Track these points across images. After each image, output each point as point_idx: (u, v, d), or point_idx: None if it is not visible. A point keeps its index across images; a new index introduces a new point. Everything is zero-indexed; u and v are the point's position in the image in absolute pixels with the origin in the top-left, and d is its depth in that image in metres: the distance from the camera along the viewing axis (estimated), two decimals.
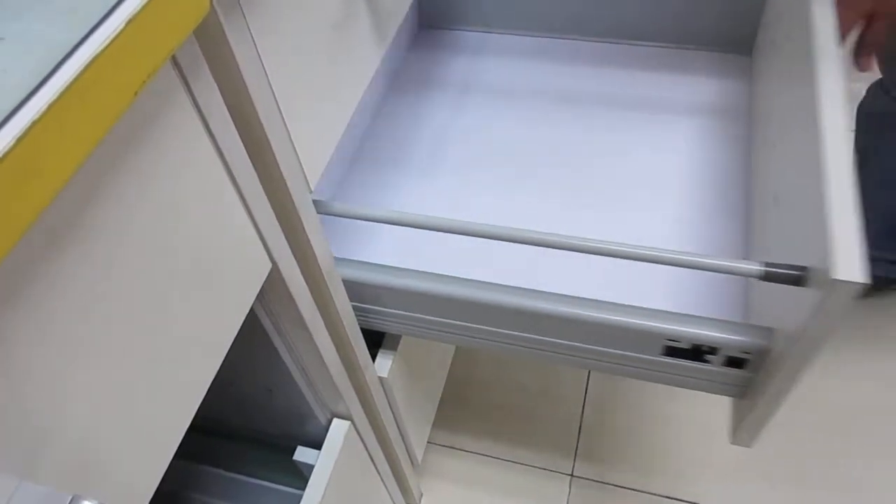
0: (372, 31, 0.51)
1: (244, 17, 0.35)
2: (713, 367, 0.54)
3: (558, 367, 1.05)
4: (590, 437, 0.98)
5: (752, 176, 0.70)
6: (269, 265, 0.43)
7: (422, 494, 0.95)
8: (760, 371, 0.52)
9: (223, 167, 0.36)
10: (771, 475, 0.92)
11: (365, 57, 0.51)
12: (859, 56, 0.61)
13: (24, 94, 0.24)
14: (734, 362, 0.53)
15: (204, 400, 0.63)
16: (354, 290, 0.58)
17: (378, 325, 0.63)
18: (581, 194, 0.70)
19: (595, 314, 0.54)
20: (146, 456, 0.34)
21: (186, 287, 0.35)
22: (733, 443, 0.57)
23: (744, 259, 0.52)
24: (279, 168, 0.41)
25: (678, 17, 0.80)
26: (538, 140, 0.75)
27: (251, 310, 0.47)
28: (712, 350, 0.53)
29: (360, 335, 0.60)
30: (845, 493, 0.90)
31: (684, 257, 0.48)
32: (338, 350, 0.57)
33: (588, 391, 1.02)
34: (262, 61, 0.38)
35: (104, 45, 0.25)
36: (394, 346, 0.69)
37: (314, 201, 0.49)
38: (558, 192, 0.70)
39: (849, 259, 0.40)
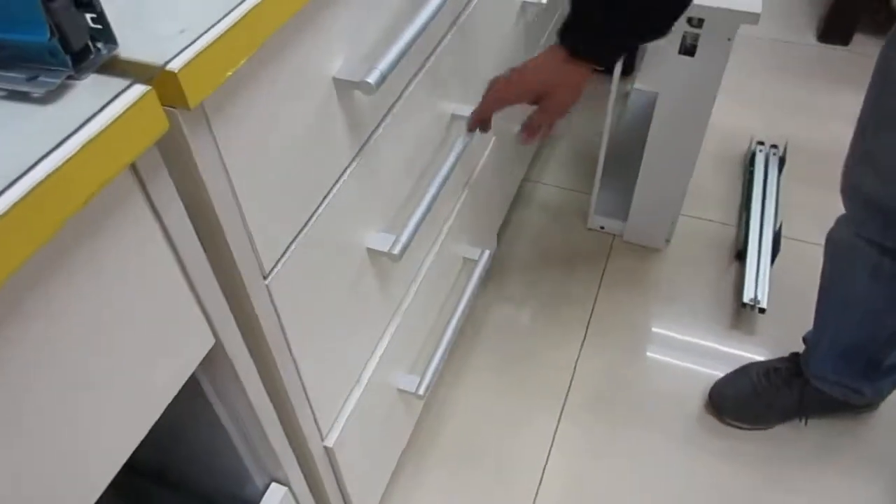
0: (347, 135, 0.56)
1: (210, 127, 0.40)
2: None
3: (518, 449, 1.06)
4: None
5: None
6: (213, 341, 0.46)
7: None
8: None
9: (173, 255, 0.40)
10: None
11: (336, 158, 0.56)
12: (527, 132, 0.71)
13: None
14: None
15: (156, 448, 0.66)
16: None
17: None
18: None
19: None
20: None
21: (120, 355, 0.38)
22: None
23: None
24: (231, 255, 0.45)
25: None
26: None
27: (195, 377, 0.51)
28: None
29: (307, 406, 0.63)
30: None
31: None
32: (281, 419, 0.60)
33: (540, 487, 1.03)
34: (225, 167, 0.42)
35: (60, 163, 0.29)
36: (343, 417, 0.72)
37: (272, 279, 0.53)
38: None
39: None
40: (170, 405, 0.48)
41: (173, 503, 0.71)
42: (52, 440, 0.35)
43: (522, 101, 0.69)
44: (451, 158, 0.73)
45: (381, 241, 0.66)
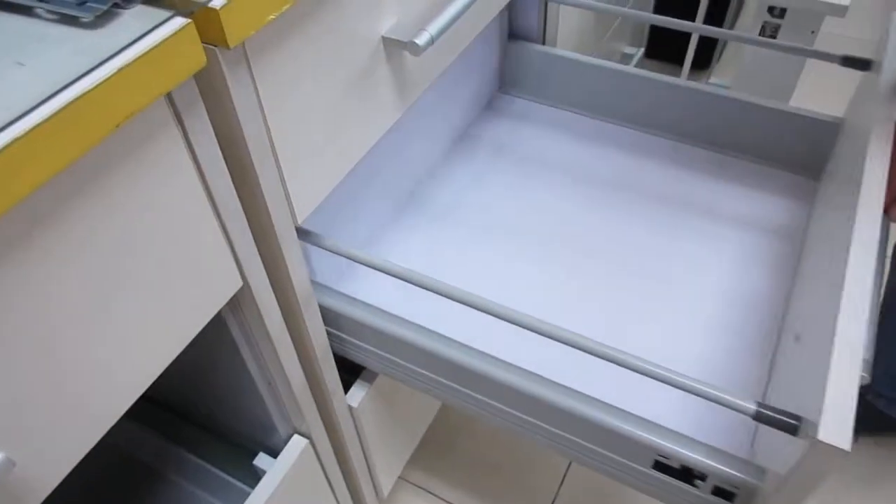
0: (393, 95, 0.56)
1: (250, 69, 0.40)
2: (700, 493, 0.53)
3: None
4: None
5: (788, 305, 0.69)
6: (240, 283, 0.48)
7: None
8: None
9: (204, 192, 0.41)
10: None
11: (380, 117, 0.56)
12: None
13: (24, 109, 0.29)
14: (723, 493, 0.52)
15: (188, 388, 0.68)
16: (335, 319, 0.62)
17: (354, 356, 0.66)
18: (609, 287, 0.71)
19: (590, 412, 0.53)
20: (73, 431, 0.39)
21: (145, 285, 0.40)
22: None
23: (749, 393, 0.50)
24: (264, 200, 0.46)
25: (755, 130, 0.80)
26: (582, 223, 0.78)
27: (224, 320, 0.52)
28: (702, 476, 0.52)
29: (332, 362, 0.64)
30: None
31: (679, 378, 0.46)
32: (305, 371, 0.61)
33: (568, 473, 1.02)
34: (263, 111, 0.42)
35: (95, 84, 0.30)
36: (371, 379, 0.72)
37: (305, 232, 0.54)
38: (588, 280, 0.72)
39: (837, 421, 0.39)
40: (201, 348, 0.50)
41: (201, 442, 0.74)
42: (74, 357, 0.37)
43: None
44: None
45: None
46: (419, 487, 1.01)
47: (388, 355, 0.63)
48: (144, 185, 0.37)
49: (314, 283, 0.59)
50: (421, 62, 0.59)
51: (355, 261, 0.55)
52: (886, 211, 0.61)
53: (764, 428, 0.55)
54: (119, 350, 0.40)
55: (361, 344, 0.64)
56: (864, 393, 0.94)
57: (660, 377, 0.47)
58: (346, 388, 0.70)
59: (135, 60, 0.32)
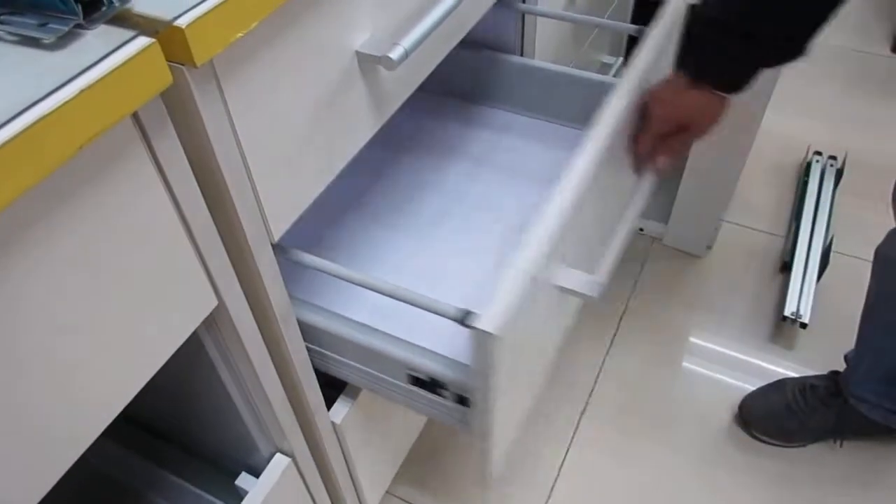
0: (368, 110, 0.56)
1: (220, 87, 0.40)
2: (447, 402, 0.59)
3: (530, 461, 1.05)
4: None
5: None
6: (215, 302, 0.47)
7: None
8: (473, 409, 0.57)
9: (175, 211, 0.41)
10: None
11: (356, 132, 0.55)
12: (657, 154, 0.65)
13: None
14: (462, 400, 0.57)
15: (167, 409, 0.67)
16: (315, 335, 0.62)
17: (336, 372, 0.66)
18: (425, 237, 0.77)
19: (350, 333, 0.59)
20: (42, 457, 0.38)
21: (115, 307, 0.39)
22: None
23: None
24: (238, 218, 0.45)
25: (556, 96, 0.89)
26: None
27: (200, 340, 0.52)
28: (443, 385, 0.57)
29: (314, 378, 0.64)
30: None
31: (401, 292, 0.53)
32: (286, 389, 0.60)
33: (555, 486, 1.01)
34: (235, 129, 0.42)
35: (57, 105, 0.30)
36: (354, 394, 0.72)
37: (282, 248, 0.53)
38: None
39: (494, 312, 0.46)
40: (179, 367, 0.49)
41: (182, 462, 0.73)
42: (46, 380, 0.36)
43: (665, 131, 0.65)
44: None
45: None
46: (406, 502, 1.00)
47: (369, 370, 0.63)
48: (112, 206, 0.37)
49: (293, 298, 0.58)
50: (396, 76, 0.59)
51: (333, 275, 0.54)
52: (635, 168, 0.67)
53: None
54: (90, 372, 0.39)
55: (342, 359, 0.63)
56: (847, 398, 0.94)
57: (387, 292, 0.54)
58: (329, 404, 0.70)
59: (98, 81, 0.31)
